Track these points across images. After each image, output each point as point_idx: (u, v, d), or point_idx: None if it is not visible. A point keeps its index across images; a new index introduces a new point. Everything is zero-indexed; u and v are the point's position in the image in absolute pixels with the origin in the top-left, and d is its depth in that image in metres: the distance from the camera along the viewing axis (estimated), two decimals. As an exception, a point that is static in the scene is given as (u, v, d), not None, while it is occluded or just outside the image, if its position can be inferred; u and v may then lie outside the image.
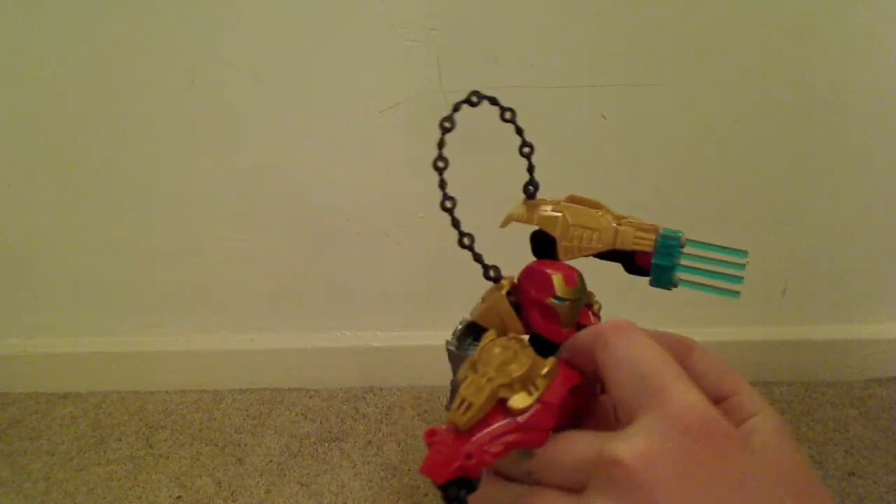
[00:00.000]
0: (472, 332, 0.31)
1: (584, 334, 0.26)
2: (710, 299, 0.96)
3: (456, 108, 0.30)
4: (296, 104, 0.77)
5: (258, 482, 0.79)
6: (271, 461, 0.82)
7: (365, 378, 0.94)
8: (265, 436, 0.87)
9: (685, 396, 0.21)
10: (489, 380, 0.24)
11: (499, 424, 0.23)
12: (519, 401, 0.23)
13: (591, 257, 0.29)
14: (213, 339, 0.94)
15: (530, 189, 0.31)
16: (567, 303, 0.28)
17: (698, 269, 0.28)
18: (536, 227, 0.30)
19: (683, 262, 0.28)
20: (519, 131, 0.30)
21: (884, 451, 0.81)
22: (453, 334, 0.31)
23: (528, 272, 0.29)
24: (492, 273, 0.30)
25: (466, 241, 0.29)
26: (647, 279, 0.29)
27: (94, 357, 0.94)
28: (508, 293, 0.29)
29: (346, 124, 0.77)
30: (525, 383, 0.24)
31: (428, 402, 0.91)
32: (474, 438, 0.23)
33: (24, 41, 0.74)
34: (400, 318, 0.90)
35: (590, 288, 0.31)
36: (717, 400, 0.22)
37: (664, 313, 0.92)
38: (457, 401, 0.24)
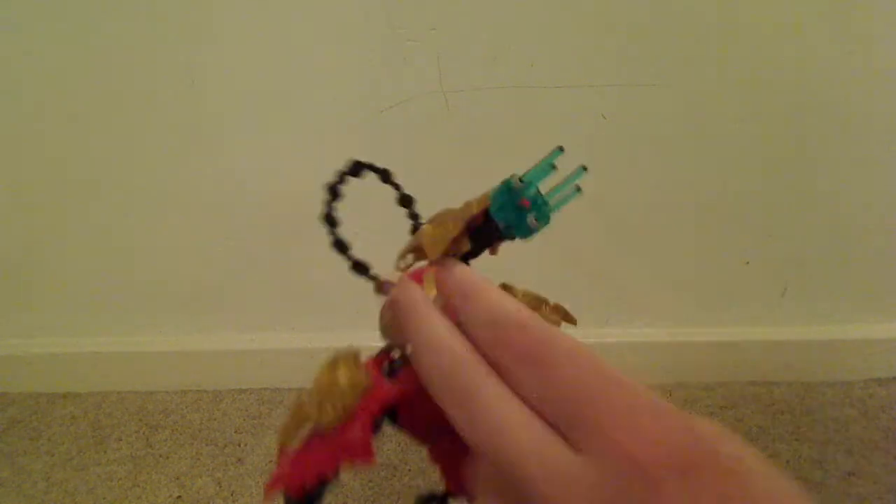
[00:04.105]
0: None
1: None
2: (709, 299, 0.95)
3: (340, 179, 0.31)
4: (296, 104, 0.77)
5: (258, 482, 0.79)
6: (271, 461, 0.82)
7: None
8: (265, 436, 0.87)
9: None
10: (307, 398, 0.24)
11: (309, 450, 0.23)
12: (323, 416, 0.23)
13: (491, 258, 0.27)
14: (213, 339, 0.94)
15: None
16: None
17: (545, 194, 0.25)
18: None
19: (531, 200, 0.24)
20: (397, 187, 0.30)
21: (884, 451, 0.81)
22: None
23: None
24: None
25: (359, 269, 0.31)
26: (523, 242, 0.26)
27: (94, 357, 0.94)
28: None
29: (347, 124, 0.77)
30: (334, 395, 0.23)
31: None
32: (289, 463, 0.23)
33: (24, 41, 0.74)
34: (400, 318, 0.90)
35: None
36: None
37: (663, 314, 0.92)
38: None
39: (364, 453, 0.23)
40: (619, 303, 0.90)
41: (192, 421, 0.90)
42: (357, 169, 0.31)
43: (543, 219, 0.24)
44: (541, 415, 0.18)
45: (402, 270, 0.29)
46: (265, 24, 0.72)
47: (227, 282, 0.89)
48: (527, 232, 0.24)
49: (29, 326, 0.94)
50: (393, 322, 0.25)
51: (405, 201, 0.30)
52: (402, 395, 0.25)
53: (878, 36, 0.73)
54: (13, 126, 0.79)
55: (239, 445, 0.85)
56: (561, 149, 0.24)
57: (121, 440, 0.87)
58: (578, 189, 0.24)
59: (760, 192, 0.82)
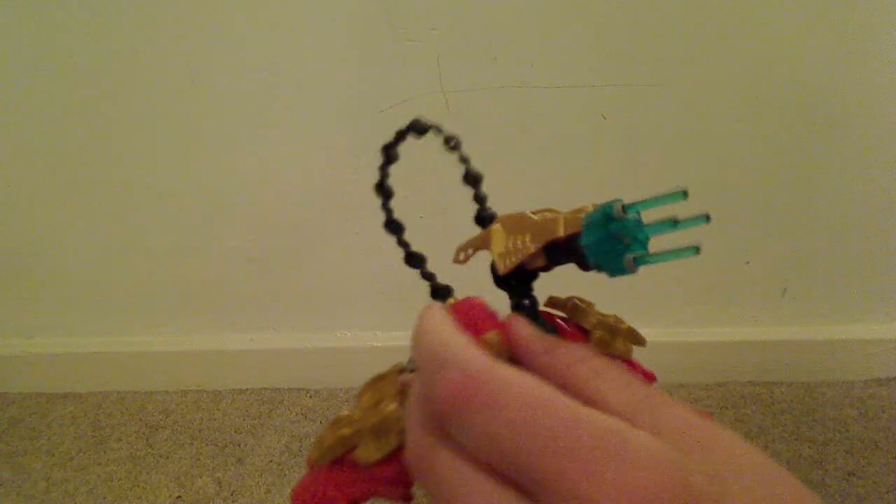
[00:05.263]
0: None
1: None
2: (709, 299, 0.95)
3: (399, 137, 0.27)
4: (296, 104, 0.77)
5: (258, 482, 0.79)
6: (271, 461, 0.82)
7: (365, 378, 0.94)
8: (265, 436, 0.87)
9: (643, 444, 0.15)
10: (348, 423, 0.22)
11: (344, 472, 0.22)
12: (363, 452, 0.21)
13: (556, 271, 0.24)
14: (213, 339, 0.94)
15: (483, 220, 0.27)
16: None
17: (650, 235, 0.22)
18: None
19: (630, 236, 0.21)
20: (464, 160, 0.27)
21: (884, 451, 0.81)
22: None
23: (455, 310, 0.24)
24: (441, 293, 0.26)
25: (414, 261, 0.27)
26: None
27: (94, 357, 0.94)
28: None
29: (347, 124, 0.77)
30: (378, 433, 0.21)
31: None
32: (320, 480, 0.22)
33: (25, 41, 0.74)
34: (399, 318, 0.90)
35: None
36: None
37: (663, 314, 0.92)
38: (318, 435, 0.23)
39: (403, 496, 0.21)
40: (619, 303, 0.90)
41: (192, 421, 0.90)
42: (420, 129, 0.27)
43: (640, 261, 0.20)
44: (498, 472, 0.15)
45: (462, 262, 0.26)
46: (265, 23, 0.72)
47: (227, 282, 0.89)
48: (619, 272, 0.21)
49: (29, 326, 0.94)
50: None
51: (470, 178, 0.26)
52: None
53: (878, 36, 0.73)
54: (13, 126, 0.79)
55: (239, 445, 0.85)
56: (685, 194, 0.20)
57: (121, 440, 0.87)
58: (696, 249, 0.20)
59: (760, 191, 0.82)
